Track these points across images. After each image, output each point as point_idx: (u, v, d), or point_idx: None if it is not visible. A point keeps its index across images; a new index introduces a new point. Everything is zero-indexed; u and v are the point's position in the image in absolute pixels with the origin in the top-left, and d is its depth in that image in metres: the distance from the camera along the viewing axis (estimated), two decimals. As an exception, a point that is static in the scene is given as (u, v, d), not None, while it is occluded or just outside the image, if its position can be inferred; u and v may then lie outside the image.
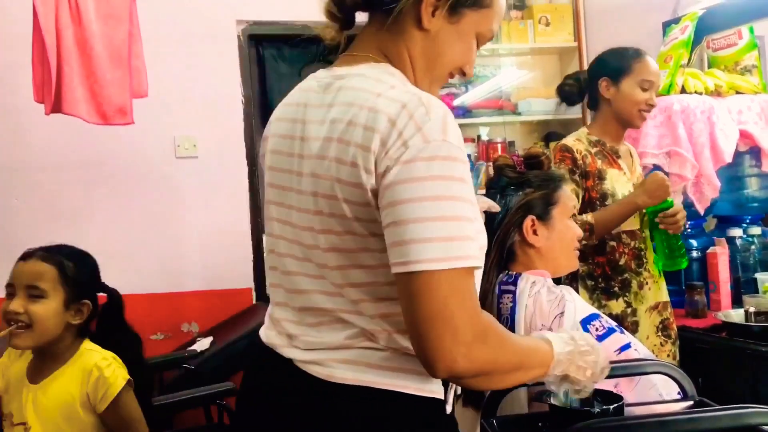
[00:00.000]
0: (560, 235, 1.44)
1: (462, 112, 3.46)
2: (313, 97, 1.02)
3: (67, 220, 3.04)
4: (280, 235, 1.03)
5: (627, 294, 2.04)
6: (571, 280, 2.11)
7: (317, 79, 1.05)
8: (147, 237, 3.09)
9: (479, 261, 0.90)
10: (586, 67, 3.43)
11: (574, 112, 3.44)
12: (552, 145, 3.46)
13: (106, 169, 3.09)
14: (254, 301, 3.17)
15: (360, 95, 0.95)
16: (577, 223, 1.92)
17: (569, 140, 2.15)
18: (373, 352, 0.95)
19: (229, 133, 3.23)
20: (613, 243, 2.05)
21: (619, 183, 2.09)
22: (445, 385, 1.00)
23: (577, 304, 1.29)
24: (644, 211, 2.05)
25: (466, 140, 3.37)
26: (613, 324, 1.29)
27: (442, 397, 0.99)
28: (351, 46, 1.06)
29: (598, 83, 2.13)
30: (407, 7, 0.99)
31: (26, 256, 1.48)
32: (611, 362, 1.08)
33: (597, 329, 1.24)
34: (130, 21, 2.37)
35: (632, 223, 2.07)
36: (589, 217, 1.98)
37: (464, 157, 0.90)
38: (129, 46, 2.35)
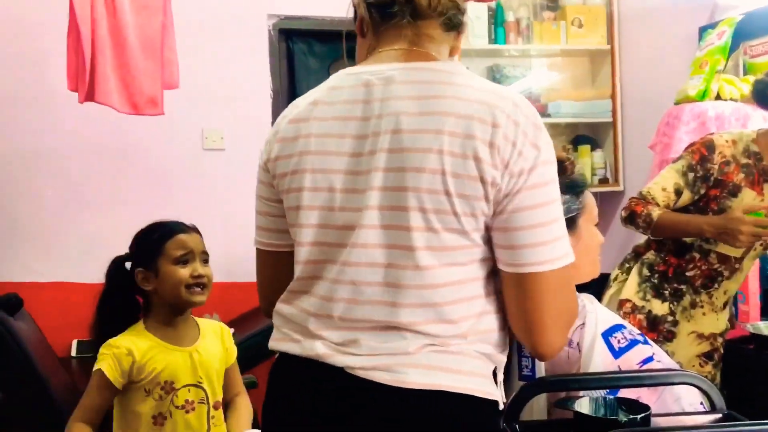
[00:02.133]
0: (586, 243, 1.41)
1: (490, 112, 3.43)
2: (380, 90, 0.98)
3: (95, 208, 3.08)
4: (335, 242, 0.97)
5: (675, 304, 1.99)
6: (634, 259, 2.07)
7: (371, 74, 1.00)
8: (173, 227, 3.12)
9: None
10: (617, 70, 3.41)
11: (605, 115, 3.40)
12: (580, 150, 3.43)
13: (134, 158, 3.12)
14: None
15: (465, 90, 0.96)
16: (642, 210, 1.91)
17: (724, 137, 1.97)
18: (445, 355, 0.94)
19: (256, 126, 3.24)
20: (696, 254, 1.97)
21: (750, 207, 1.88)
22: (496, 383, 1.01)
23: (599, 314, 1.26)
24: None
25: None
26: (637, 334, 1.26)
27: (499, 400, 1.00)
28: (410, 41, 1.02)
29: None
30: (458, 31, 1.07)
31: (184, 228, 1.66)
32: (634, 371, 1.08)
33: (619, 341, 1.22)
34: (164, 13, 2.39)
35: (732, 250, 1.94)
36: (655, 213, 1.90)
37: None
38: (162, 37, 2.37)
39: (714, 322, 2.02)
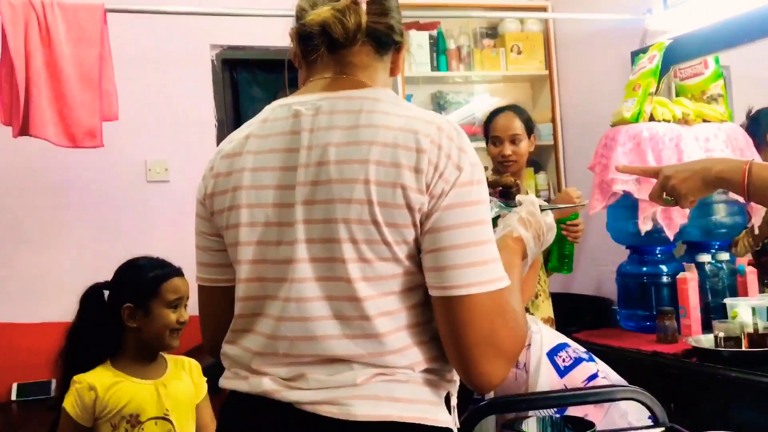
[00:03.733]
0: (533, 264, 1.44)
1: (436, 137, 3.49)
2: (309, 121, 0.98)
3: (34, 244, 2.97)
4: (275, 277, 0.96)
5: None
6: None
7: (301, 104, 1.00)
8: (116, 261, 3.01)
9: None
10: (557, 94, 3.52)
11: (547, 138, 3.49)
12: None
13: (76, 192, 3.04)
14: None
15: (390, 118, 0.95)
16: None
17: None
18: (393, 384, 0.93)
19: (201, 157, 3.15)
20: None
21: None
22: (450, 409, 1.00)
23: (544, 335, 1.29)
24: None
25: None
26: (582, 352, 1.29)
27: (452, 427, 0.98)
28: (334, 71, 1.02)
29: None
30: (393, 52, 1.06)
31: (178, 272, 1.68)
32: (579, 389, 1.09)
33: (564, 360, 1.24)
34: (101, 44, 2.35)
35: None
36: None
37: None
38: (100, 68, 2.33)
39: (549, 306, 2.26)
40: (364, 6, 0.98)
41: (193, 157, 3.18)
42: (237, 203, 1.00)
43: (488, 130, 2.46)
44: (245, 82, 3.46)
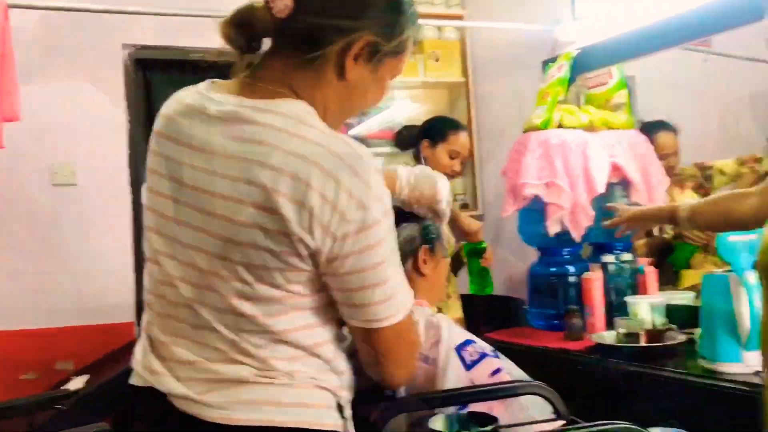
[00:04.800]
0: (442, 266, 1.48)
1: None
2: (212, 123, 0.94)
3: (-73, 252, 2.80)
4: (161, 276, 0.98)
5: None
6: None
7: (214, 102, 0.95)
8: (19, 269, 2.88)
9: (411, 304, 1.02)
10: (473, 101, 3.60)
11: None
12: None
13: (-26, 196, 2.88)
14: (136, 336, 3.02)
15: (289, 140, 0.88)
16: None
17: None
18: (277, 388, 0.92)
19: (111, 160, 3.10)
20: None
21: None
22: (342, 416, 1.00)
23: (452, 331, 1.32)
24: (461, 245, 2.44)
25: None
26: (487, 349, 1.32)
27: (341, 430, 0.98)
28: (255, 74, 0.98)
29: (420, 141, 2.52)
30: (330, 54, 0.96)
31: None
32: (484, 385, 1.13)
33: (470, 354, 1.28)
34: (2, 41, 2.23)
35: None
36: None
37: None
38: (0, 67, 2.21)
39: (459, 307, 2.41)
40: (283, 2, 0.92)
41: (102, 160, 3.08)
42: (147, 183, 1.02)
43: (446, 138, 2.50)
44: (159, 84, 3.37)
